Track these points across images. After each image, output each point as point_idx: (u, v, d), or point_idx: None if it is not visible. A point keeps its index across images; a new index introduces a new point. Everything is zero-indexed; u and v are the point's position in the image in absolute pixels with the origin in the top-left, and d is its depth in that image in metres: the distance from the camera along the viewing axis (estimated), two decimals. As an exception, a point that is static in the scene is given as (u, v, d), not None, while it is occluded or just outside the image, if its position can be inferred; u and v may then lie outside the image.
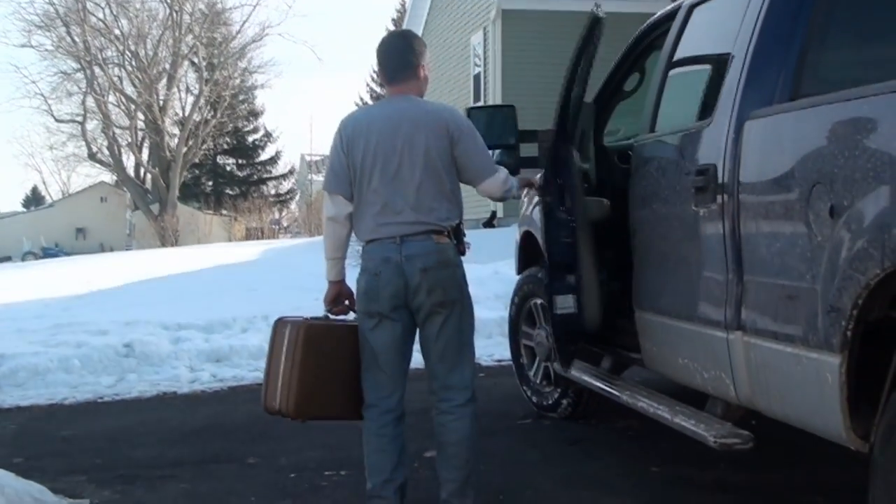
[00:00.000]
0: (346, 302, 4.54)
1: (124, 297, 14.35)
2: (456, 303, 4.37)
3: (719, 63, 4.24)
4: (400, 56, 4.45)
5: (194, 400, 7.96)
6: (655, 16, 5.32)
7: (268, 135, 57.48)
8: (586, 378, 5.44)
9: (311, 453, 5.93)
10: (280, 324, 4.49)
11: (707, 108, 4.21)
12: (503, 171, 4.59)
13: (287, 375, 4.34)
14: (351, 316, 4.57)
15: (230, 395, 8.06)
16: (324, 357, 4.41)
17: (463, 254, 4.45)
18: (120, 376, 8.67)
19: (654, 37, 5.30)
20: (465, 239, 4.53)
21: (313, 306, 11.39)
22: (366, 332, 4.41)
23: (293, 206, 54.35)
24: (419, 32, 22.26)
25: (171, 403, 7.84)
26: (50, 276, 19.35)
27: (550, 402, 6.40)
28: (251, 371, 8.84)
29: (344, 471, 5.50)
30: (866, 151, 3.09)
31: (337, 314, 4.56)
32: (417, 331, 4.46)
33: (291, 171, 57.14)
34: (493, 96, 18.78)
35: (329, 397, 4.46)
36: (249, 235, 37.28)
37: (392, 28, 52.03)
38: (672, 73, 4.79)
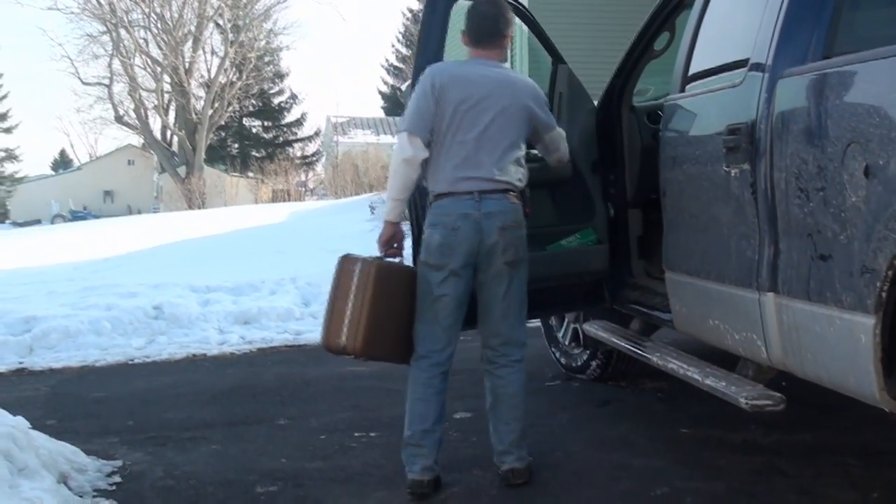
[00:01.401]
0: (396, 245, 4.59)
1: (152, 260, 14.47)
2: (522, 262, 4.52)
3: (751, 21, 4.16)
4: (492, 22, 4.58)
5: (223, 362, 8.00)
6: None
7: (293, 96, 57.42)
8: (616, 339, 5.43)
9: (341, 415, 5.96)
10: (347, 260, 4.49)
11: (739, 66, 4.14)
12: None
13: (357, 312, 4.35)
14: (398, 259, 4.63)
15: (259, 357, 8.11)
16: (390, 297, 4.45)
17: (527, 215, 4.57)
18: (150, 338, 8.75)
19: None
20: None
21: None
22: (431, 285, 4.45)
23: (319, 167, 54.28)
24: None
25: (201, 365, 7.89)
26: (79, 239, 19.53)
27: (579, 363, 6.39)
28: (280, 333, 8.90)
29: (374, 432, 5.53)
30: (902, 109, 3.04)
31: (390, 256, 4.59)
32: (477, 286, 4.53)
33: (317, 133, 57.00)
34: (521, 65, 18.67)
35: (392, 339, 4.51)
36: (276, 198, 37.23)
37: (417, -11, 51.73)
38: (703, 30, 4.72)
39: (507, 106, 4.46)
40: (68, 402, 6.69)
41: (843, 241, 3.35)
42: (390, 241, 4.58)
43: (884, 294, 3.14)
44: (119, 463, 5.17)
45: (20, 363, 8.08)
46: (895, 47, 3.15)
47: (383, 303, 4.41)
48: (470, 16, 4.62)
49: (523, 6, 5.42)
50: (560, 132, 4.84)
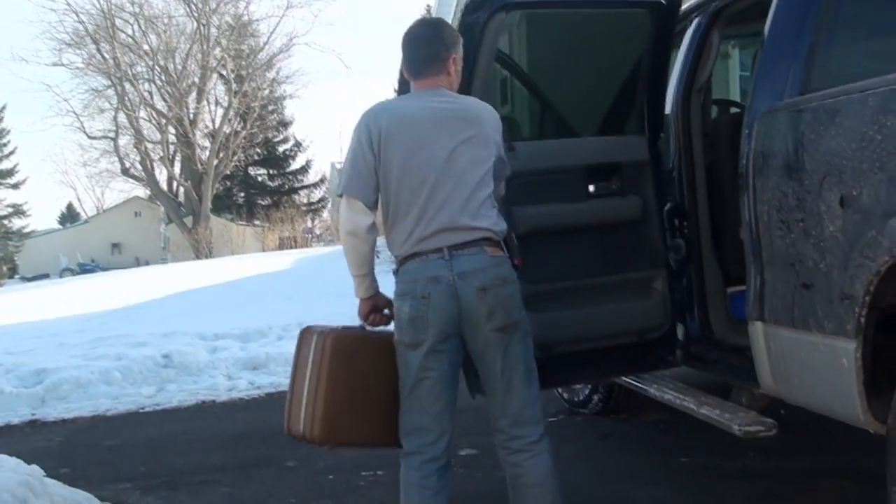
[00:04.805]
0: (386, 311, 3.86)
1: (160, 310, 14.59)
2: (519, 324, 3.70)
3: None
4: (427, 45, 3.77)
5: (232, 407, 8.12)
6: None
7: (298, 144, 57.78)
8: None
9: (348, 455, 6.03)
10: (306, 333, 3.90)
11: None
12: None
13: (312, 394, 3.71)
14: (390, 327, 3.83)
15: (267, 402, 8.22)
16: (356, 373, 3.74)
17: (517, 268, 3.78)
18: (160, 386, 8.88)
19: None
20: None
21: (349, 312, 11.56)
22: (410, 368, 3.67)
23: (325, 214, 54.56)
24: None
25: (211, 411, 8.01)
26: (87, 292, 19.65)
27: (581, 398, 6.50)
28: (287, 378, 8.98)
29: (381, 471, 5.62)
30: (872, 143, 3.18)
31: (375, 324, 3.88)
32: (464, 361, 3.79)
33: (322, 180, 57.34)
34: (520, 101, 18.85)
35: (361, 421, 3.78)
36: (282, 245, 37.43)
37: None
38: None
39: (467, 139, 3.66)
40: (81, 450, 6.82)
41: (823, 269, 3.48)
42: (370, 314, 3.85)
43: (863, 319, 3.26)
44: (132, 508, 5.29)
45: (33, 415, 8.22)
46: (864, 83, 3.30)
47: (346, 381, 3.71)
48: (404, 41, 3.83)
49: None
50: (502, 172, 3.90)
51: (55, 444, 7.06)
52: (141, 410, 8.20)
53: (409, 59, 3.80)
